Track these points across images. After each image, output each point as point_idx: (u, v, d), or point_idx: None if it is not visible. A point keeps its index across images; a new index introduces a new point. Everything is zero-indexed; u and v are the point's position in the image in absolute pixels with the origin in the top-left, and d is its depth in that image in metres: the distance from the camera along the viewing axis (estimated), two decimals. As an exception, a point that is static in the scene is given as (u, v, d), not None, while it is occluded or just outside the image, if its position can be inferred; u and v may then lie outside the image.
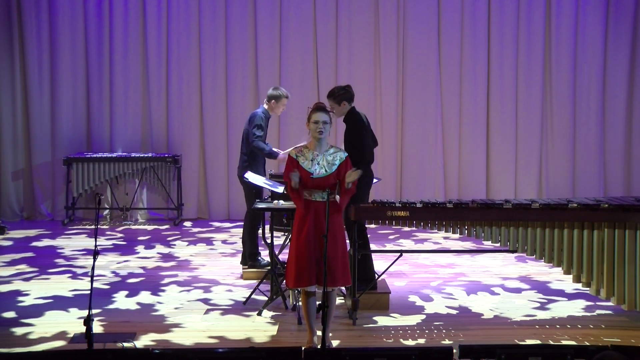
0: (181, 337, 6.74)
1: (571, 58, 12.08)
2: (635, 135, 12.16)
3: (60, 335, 6.70)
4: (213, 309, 7.55)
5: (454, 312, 7.53)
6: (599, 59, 12.05)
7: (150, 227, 11.51)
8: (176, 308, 7.57)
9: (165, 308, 7.56)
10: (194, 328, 6.99)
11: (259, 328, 7.00)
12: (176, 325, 7.05)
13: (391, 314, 7.41)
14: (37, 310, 7.44)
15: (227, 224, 11.81)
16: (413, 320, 7.27)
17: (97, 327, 6.85)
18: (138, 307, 7.60)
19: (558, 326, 7.09)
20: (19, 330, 6.88)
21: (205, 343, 6.61)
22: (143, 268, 9.09)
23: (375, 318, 7.28)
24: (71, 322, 7.06)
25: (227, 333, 6.86)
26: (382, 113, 12.10)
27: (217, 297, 7.96)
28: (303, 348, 4.92)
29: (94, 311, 7.25)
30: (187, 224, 11.81)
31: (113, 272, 8.86)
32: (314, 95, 11.88)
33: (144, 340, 6.62)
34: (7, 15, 11.89)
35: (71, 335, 6.69)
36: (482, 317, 7.39)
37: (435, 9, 12.03)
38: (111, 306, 7.61)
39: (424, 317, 7.37)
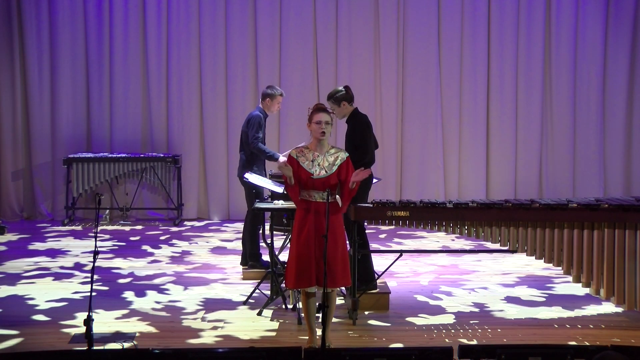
0: (180, 338, 6.74)
1: (571, 58, 12.08)
2: (635, 135, 12.16)
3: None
4: (213, 309, 7.54)
5: (454, 312, 7.52)
6: (599, 59, 12.05)
7: (150, 227, 11.51)
8: (176, 308, 7.58)
9: (165, 308, 7.56)
10: (193, 328, 6.99)
11: (259, 328, 7.00)
12: (176, 326, 7.06)
13: (391, 314, 7.41)
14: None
15: (227, 224, 11.81)
16: (413, 320, 7.27)
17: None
18: (139, 307, 7.62)
19: (557, 326, 7.10)
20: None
21: (204, 343, 6.61)
22: (142, 268, 9.09)
23: (375, 318, 7.28)
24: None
25: (226, 333, 6.86)
26: (382, 113, 12.10)
27: (216, 297, 7.96)
28: (303, 348, 4.92)
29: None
30: (187, 224, 11.81)
31: (112, 273, 8.86)
32: (314, 95, 11.88)
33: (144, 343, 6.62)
34: (7, 15, 11.89)
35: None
36: (482, 317, 7.38)
37: (435, 9, 12.02)
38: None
39: (424, 317, 7.37)
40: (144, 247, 10.21)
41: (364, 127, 7.56)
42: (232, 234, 11.03)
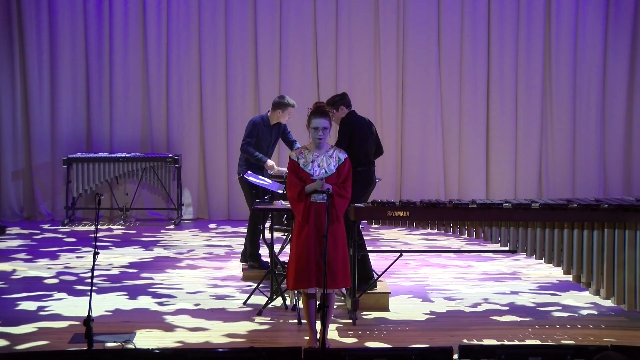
0: (180, 338, 6.75)
1: (571, 58, 12.08)
2: (635, 135, 12.16)
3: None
4: (213, 309, 7.55)
5: (454, 312, 7.52)
6: (599, 59, 12.05)
7: (149, 227, 11.51)
8: (176, 308, 7.58)
9: (165, 308, 7.57)
10: (193, 328, 6.99)
11: (259, 328, 7.01)
12: (176, 326, 7.06)
13: (391, 314, 7.41)
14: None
15: (227, 224, 11.81)
16: (413, 320, 7.27)
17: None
18: (139, 308, 7.62)
19: (558, 326, 7.10)
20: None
21: (205, 343, 6.61)
22: (142, 269, 9.08)
23: (375, 318, 7.28)
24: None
25: (226, 333, 6.86)
26: (382, 113, 12.10)
27: (216, 297, 7.95)
28: (303, 348, 4.92)
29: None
30: (187, 224, 11.81)
31: (112, 273, 8.86)
32: (314, 95, 11.87)
33: (142, 340, 6.62)
34: (7, 15, 11.90)
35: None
36: (482, 317, 7.38)
37: (435, 8, 12.03)
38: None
39: (424, 317, 7.37)
40: (143, 247, 10.21)
41: (349, 127, 7.57)
42: (232, 234, 11.02)
